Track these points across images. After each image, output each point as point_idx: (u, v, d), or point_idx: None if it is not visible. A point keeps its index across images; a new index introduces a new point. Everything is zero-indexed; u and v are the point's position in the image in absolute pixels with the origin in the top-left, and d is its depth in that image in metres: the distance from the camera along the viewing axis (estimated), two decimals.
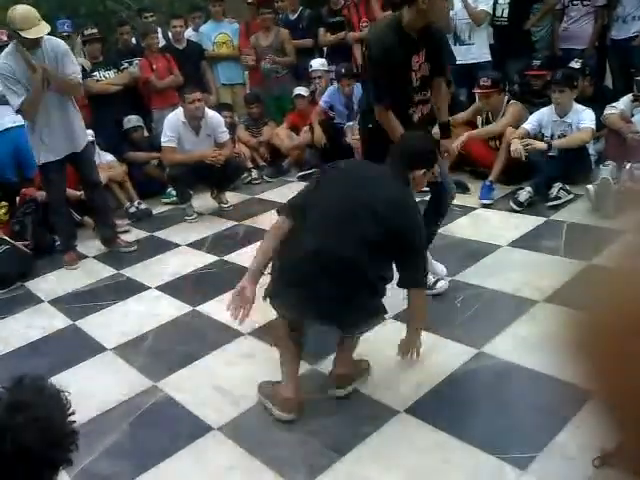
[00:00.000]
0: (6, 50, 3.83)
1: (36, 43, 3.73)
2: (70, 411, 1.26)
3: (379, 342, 2.73)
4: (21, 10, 3.65)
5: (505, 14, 5.27)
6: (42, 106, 3.86)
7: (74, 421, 1.25)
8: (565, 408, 1.91)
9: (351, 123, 5.29)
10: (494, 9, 5.31)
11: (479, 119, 4.81)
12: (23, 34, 3.63)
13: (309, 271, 2.15)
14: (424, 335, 2.70)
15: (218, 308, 3.30)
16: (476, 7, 5.17)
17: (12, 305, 3.75)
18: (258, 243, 4.16)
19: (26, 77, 3.76)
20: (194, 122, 4.72)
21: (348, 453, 2.09)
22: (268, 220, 4.60)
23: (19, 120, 5.23)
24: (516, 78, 5.32)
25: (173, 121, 4.73)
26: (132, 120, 5.48)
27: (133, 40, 6.26)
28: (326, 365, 2.60)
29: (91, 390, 2.65)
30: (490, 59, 5.35)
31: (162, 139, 4.76)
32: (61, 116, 3.96)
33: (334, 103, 5.50)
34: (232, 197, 5.15)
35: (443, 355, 2.57)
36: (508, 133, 4.41)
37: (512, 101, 4.64)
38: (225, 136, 4.88)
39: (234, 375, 2.66)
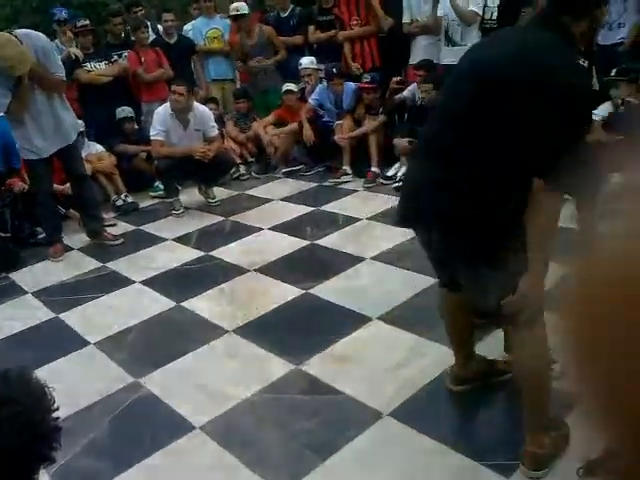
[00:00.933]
0: None
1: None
2: (54, 407, 1.24)
3: (364, 343, 2.74)
4: (8, 52, 3.55)
5: (494, 17, 5.28)
6: (30, 106, 3.78)
7: (58, 417, 1.23)
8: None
9: (340, 122, 5.29)
10: (483, 12, 5.32)
11: None
12: (13, 73, 3.58)
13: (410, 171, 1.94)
14: (409, 337, 2.71)
15: (203, 304, 3.29)
16: (466, 8, 5.18)
17: None
18: (245, 239, 4.22)
19: (6, 76, 3.64)
20: (181, 115, 4.68)
21: (331, 456, 2.07)
22: (255, 216, 4.60)
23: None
24: None
25: (162, 114, 4.69)
26: (125, 110, 5.43)
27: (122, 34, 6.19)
28: (309, 365, 2.60)
29: (72, 384, 2.61)
30: None
31: (151, 132, 4.72)
32: (50, 114, 3.89)
33: (323, 101, 5.48)
34: (220, 192, 5.13)
35: (429, 358, 2.56)
36: None
37: None
38: (214, 131, 4.85)
39: (217, 373, 2.64)
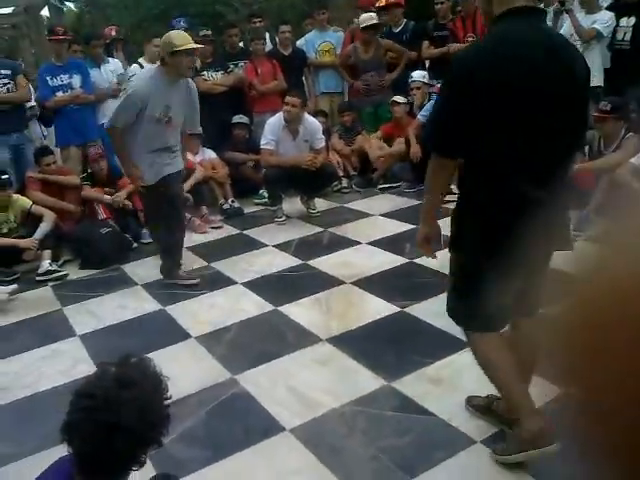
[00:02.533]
0: (150, 75, 3.68)
1: (183, 71, 3.57)
2: (168, 396, 1.31)
3: (460, 367, 2.67)
4: (176, 32, 3.73)
5: (627, 37, 5.02)
6: (160, 138, 3.66)
7: (169, 406, 1.30)
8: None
9: None
10: (615, 32, 5.08)
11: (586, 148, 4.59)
12: (180, 49, 3.46)
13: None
14: None
15: (299, 311, 3.36)
16: (589, 26, 5.00)
17: (108, 285, 3.99)
18: (343, 251, 4.27)
19: (161, 105, 3.54)
20: (292, 126, 4.83)
21: (419, 475, 2.05)
22: (354, 229, 4.64)
23: None
24: (634, 106, 5.04)
25: (274, 124, 4.87)
26: (242, 117, 5.71)
27: (241, 44, 6.47)
28: (401, 383, 2.58)
29: (173, 375, 2.68)
30: (602, 84, 5.11)
31: (262, 141, 4.91)
32: (176, 145, 3.79)
33: None
34: (321, 203, 5.22)
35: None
36: (615, 165, 4.17)
37: (630, 134, 4.36)
38: (321, 143, 4.97)
39: (309, 379, 2.69)
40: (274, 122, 4.88)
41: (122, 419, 1.22)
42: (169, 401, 1.34)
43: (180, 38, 3.56)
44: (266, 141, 4.86)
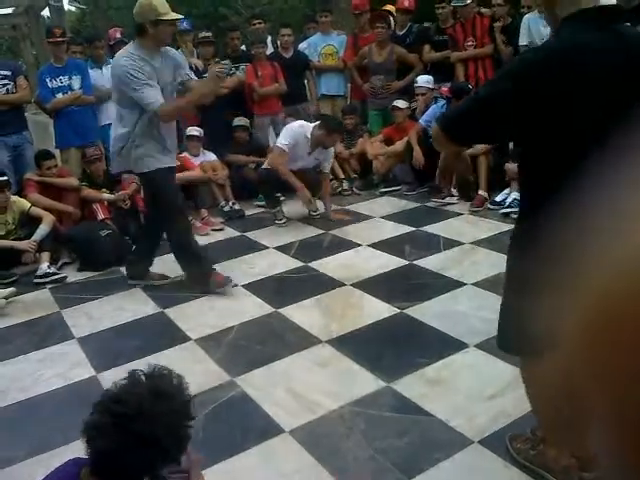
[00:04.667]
0: (128, 50, 3.36)
1: (164, 42, 3.37)
2: (193, 413, 1.29)
3: (458, 368, 2.67)
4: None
5: None
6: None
7: (192, 426, 1.28)
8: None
9: None
10: None
11: None
12: (166, 17, 3.21)
13: None
14: (506, 367, 2.59)
15: (299, 313, 3.34)
16: None
17: (107, 287, 3.97)
18: (343, 253, 4.24)
19: (154, 77, 3.32)
20: (315, 145, 4.82)
21: (417, 476, 2.03)
22: (355, 231, 4.63)
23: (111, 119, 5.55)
24: None
25: (297, 131, 4.79)
26: (242, 120, 5.70)
27: (242, 47, 6.47)
28: (400, 384, 2.56)
29: None
30: None
31: (279, 139, 4.86)
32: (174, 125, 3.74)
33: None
34: (322, 206, 5.19)
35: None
36: None
37: None
38: (328, 167, 5.03)
39: (309, 381, 2.67)
40: (298, 129, 4.79)
41: (153, 431, 1.19)
42: (192, 422, 1.31)
43: (164, 5, 3.20)
44: (285, 142, 4.74)
